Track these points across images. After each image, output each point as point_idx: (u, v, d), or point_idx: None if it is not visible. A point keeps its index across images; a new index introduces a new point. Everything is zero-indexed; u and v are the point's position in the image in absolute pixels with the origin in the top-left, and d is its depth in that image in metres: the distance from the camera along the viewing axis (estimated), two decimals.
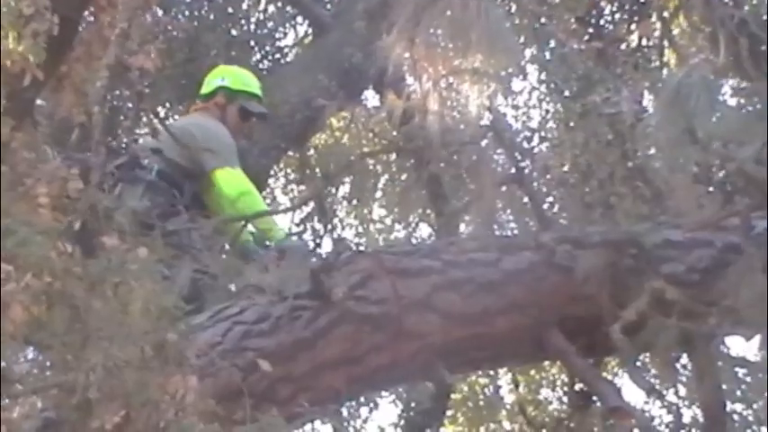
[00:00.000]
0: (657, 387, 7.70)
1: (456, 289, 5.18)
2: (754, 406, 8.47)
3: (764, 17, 6.79)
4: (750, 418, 8.53)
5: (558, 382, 9.55)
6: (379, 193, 10.15)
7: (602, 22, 8.77)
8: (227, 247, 6.87)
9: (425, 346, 5.14)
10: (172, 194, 6.79)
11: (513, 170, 6.37)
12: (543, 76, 8.90)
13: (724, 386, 7.41)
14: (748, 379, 8.03)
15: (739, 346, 6.71)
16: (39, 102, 5.48)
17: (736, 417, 8.40)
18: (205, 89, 7.54)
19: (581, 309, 5.15)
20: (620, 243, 5.18)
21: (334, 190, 10.08)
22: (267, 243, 6.84)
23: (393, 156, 9.86)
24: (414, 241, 9.95)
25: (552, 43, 8.67)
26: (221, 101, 7.44)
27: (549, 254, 5.21)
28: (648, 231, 5.22)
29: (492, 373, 9.70)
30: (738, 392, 8.29)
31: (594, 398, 6.93)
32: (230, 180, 6.89)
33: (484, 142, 6.58)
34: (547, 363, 8.87)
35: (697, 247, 5.20)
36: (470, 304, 5.16)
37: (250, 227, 6.68)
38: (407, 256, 5.46)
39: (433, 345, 5.15)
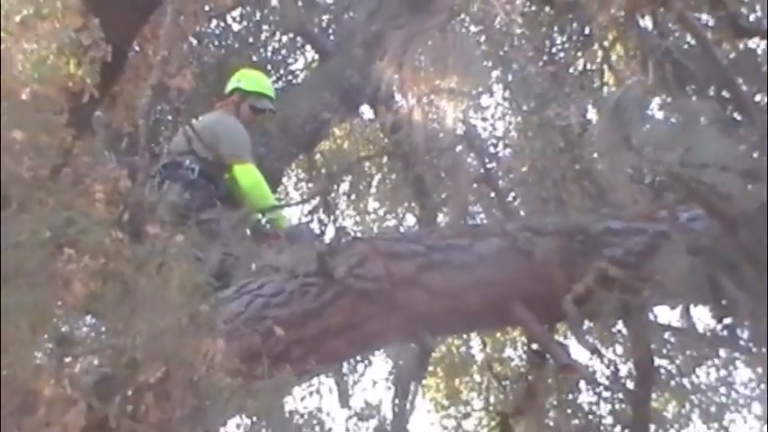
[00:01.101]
0: (599, 347, 7.69)
1: (437, 269, 5.16)
2: (676, 361, 8.46)
3: (685, 46, 6.77)
4: (673, 371, 8.52)
5: (519, 343, 9.52)
6: (373, 190, 10.10)
7: (554, 50, 8.75)
8: (248, 232, 6.87)
9: (412, 316, 5.13)
10: (209, 190, 6.76)
11: (483, 171, 6.35)
12: (507, 94, 8.88)
13: (653, 346, 7.42)
14: (672, 340, 8.03)
15: (665, 314, 6.72)
16: (96, 115, 5.47)
17: (662, 370, 8.40)
18: (227, 89, 7.54)
19: (539, 285, 5.13)
20: (571, 231, 5.16)
21: (336, 187, 10.04)
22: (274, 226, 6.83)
23: (385, 159, 9.83)
24: (402, 229, 9.91)
25: (514, 67, 8.65)
26: (236, 99, 7.44)
27: (512, 240, 5.19)
28: (593, 221, 5.22)
29: (465, 336, 9.68)
30: (664, 351, 8.29)
31: (548, 356, 6.89)
32: (245, 173, 6.86)
33: (458, 148, 6.56)
34: (510, 328, 8.84)
35: (633, 234, 5.19)
36: (449, 282, 5.15)
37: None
38: (397, 241, 5.44)
39: (418, 314, 5.13)
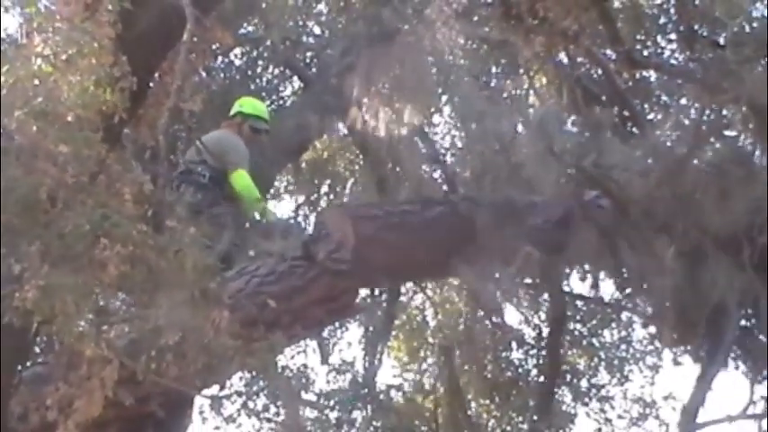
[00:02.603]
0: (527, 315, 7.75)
1: (393, 230, 5.18)
2: (587, 324, 8.55)
3: (594, 76, 6.85)
4: (585, 333, 8.60)
5: (464, 312, 9.54)
6: (347, 190, 10.13)
7: (490, 77, 8.78)
8: (247, 225, 6.88)
9: (374, 267, 5.15)
10: (217, 191, 6.75)
11: (434, 157, 6.34)
12: (452, 112, 8.90)
13: (568, 313, 7.50)
14: (584, 308, 8.13)
15: (579, 287, 6.80)
16: (125, 133, 5.48)
17: (576, 332, 8.51)
18: (231, 112, 7.52)
19: (473, 245, 5.15)
20: (502, 203, 5.22)
21: (317, 188, 10.08)
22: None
23: (355, 167, 9.87)
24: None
25: (459, 90, 8.65)
26: (239, 121, 7.38)
27: (453, 208, 5.22)
28: (520, 196, 5.27)
29: (421, 308, 9.70)
30: (578, 317, 8.38)
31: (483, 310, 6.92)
32: (239, 178, 6.82)
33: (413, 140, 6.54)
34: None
35: (551, 207, 5.25)
36: (402, 239, 5.16)
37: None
38: (362, 208, 5.45)
39: (378, 265, 5.14)
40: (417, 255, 5.25)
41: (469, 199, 5.30)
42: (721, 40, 5.99)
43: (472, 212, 5.18)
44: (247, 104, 7.56)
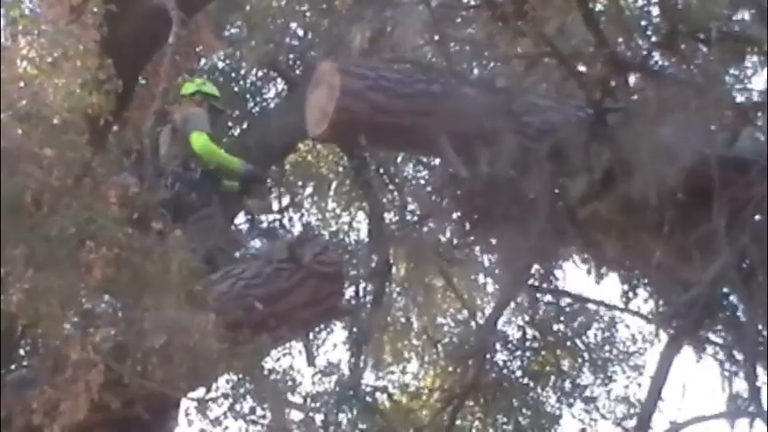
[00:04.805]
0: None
1: (381, 91, 5.03)
2: (572, 325, 8.54)
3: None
4: (569, 333, 8.58)
5: (449, 312, 9.54)
6: (331, 193, 10.10)
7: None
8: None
9: (355, 123, 5.05)
10: (209, 189, 6.59)
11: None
12: None
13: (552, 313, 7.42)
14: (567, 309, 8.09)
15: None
16: (110, 135, 5.47)
17: (560, 333, 8.50)
18: (187, 91, 7.16)
19: (463, 126, 5.13)
20: (493, 85, 5.25)
21: (302, 190, 10.04)
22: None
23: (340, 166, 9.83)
24: (353, 224, 9.87)
25: None
26: (199, 99, 6.83)
27: (447, 86, 5.14)
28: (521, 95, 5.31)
29: (405, 308, 9.68)
30: (561, 318, 8.35)
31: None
32: (197, 139, 6.54)
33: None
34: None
35: (551, 109, 5.29)
36: (388, 103, 5.03)
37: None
38: (356, 65, 5.33)
39: (360, 123, 5.02)
40: (402, 121, 5.10)
41: (459, 75, 5.24)
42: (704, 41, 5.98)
43: (463, 91, 5.12)
44: (207, 85, 7.33)
